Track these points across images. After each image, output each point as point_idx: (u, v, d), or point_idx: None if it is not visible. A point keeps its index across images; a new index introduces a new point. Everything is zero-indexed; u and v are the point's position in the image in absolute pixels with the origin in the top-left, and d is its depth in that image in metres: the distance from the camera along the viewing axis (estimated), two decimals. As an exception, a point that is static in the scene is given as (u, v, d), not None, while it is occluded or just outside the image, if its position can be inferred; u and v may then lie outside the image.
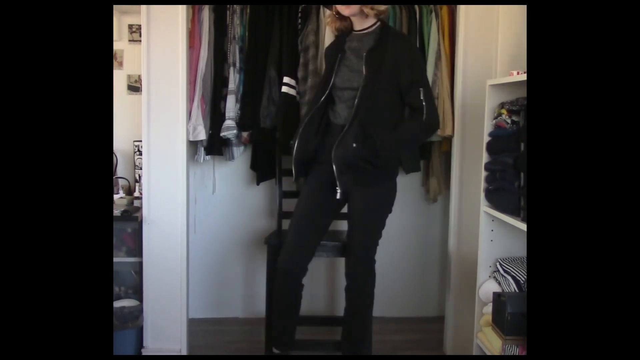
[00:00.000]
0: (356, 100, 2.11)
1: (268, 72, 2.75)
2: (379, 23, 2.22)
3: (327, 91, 2.19)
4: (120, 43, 3.10)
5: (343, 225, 2.51)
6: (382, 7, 2.18)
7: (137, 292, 2.65)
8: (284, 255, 2.27)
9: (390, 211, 2.30)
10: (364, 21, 2.20)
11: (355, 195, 2.20)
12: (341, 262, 3.14)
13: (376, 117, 2.12)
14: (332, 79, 2.19)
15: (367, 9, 2.14)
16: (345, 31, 2.26)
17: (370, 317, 2.37)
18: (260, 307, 2.84)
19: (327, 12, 2.28)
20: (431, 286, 3.25)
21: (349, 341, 2.34)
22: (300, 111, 2.69)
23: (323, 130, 2.25)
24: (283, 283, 2.28)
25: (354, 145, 2.08)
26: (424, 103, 2.10)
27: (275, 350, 2.33)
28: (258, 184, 3.01)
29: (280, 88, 2.71)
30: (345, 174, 2.13)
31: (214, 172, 3.14)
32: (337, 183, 2.14)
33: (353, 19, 2.20)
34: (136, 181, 3.02)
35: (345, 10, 2.14)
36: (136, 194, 2.94)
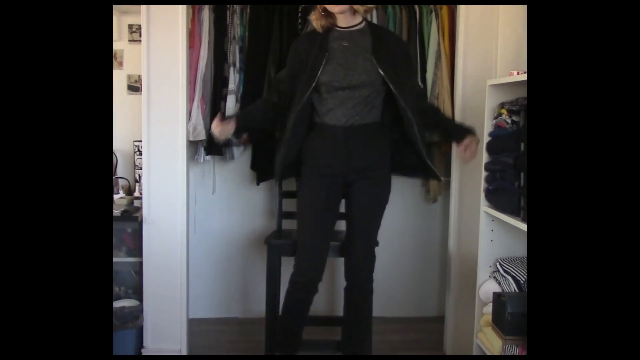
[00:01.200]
0: (401, 102, 2.09)
1: (268, 72, 2.75)
2: (364, 20, 2.21)
3: (311, 88, 2.10)
4: (120, 43, 3.10)
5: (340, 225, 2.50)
6: (372, 5, 2.17)
7: (137, 292, 2.65)
8: (301, 269, 2.20)
9: (387, 202, 2.29)
10: (351, 19, 2.16)
11: (360, 191, 2.19)
12: (341, 262, 3.13)
13: (412, 109, 2.15)
14: (317, 77, 2.10)
15: (358, 6, 2.10)
16: (328, 28, 2.18)
17: (371, 315, 2.37)
18: (260, 307, 2.84)
19: (313, 11, 2.20)
20: (431, 286, 3.25)
21: (351, 342, 2.33)
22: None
23: (307, 132, 2.20)
24: (302, 295, 2.22)
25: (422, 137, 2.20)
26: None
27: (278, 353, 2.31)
28: (258, 184, 3.02)
29: (281, 88, 2.71)
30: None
31: (214, 172, 3.14)
32: (357, 183, 2.20)
33: (339, 16, 2.14)
34: (136, 181, 3.02)
35: (335, 8, 2.09)
36: (136, 194, 2.94)
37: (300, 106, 2.12)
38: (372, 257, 2.28)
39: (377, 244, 2.30)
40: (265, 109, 2.31)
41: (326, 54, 2.11)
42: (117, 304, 2.58)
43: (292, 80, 2.20)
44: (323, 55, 2.11)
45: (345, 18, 2.15)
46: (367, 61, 2.11)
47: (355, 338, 2.32)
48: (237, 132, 2.36)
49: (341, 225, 2.37)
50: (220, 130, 2.22)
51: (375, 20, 2.77)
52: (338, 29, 2.17)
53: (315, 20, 2.16)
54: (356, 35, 2.16)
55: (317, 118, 2.19)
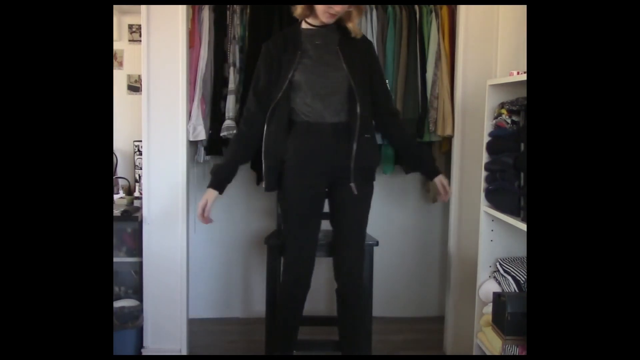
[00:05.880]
0: (356, 96, 2.05)
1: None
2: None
3: (285, 87, 2.07)
4: (120, 43, 3.10)
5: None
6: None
7: (137, 292, 2.65)
8: (292, 275, 2.19)
9: (372, 196, 2.25)
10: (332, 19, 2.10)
11: (345, 190, 2.13)
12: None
13: (368, 112, 2.14)
14: (291, 75, 2.07)
15: (357, 12, 2.11)
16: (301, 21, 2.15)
17: (365, 314, 2.34)
18: (260, 307, 2.84)
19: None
20: (431, 286, 3.25)
21: (347, 341, 2.30)
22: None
23: (287, 131, 2.13)
24: (294, 299, 2.23)
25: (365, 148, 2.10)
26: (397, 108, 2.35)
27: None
28: (258, 184, 3.01)
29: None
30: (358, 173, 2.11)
31: (214, 172, 3.13)
32: (354, 182, 2.09)
33: (324, 14, 2.06)
34: (136, 181, 3.02)
35: (337, 7, 2.04)
36: (136, 194, 2.94)
37: (275, 104, 2.09)
38: (363, 257, 2.24)
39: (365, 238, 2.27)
40: (239, 152, 2.24)
41: (299, 52, 2.09)
42: (117, 304, 2.58)
43: (270, 85, 2.14)
44: (296, 53, 2.09)
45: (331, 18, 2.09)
46: (334, 54, 2.09)
47: (351, 339, 2.28)
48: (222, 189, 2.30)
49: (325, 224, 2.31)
50: (209, 211, 2.26)
51: (375, 20, 2.77)
52: (308, 26, 2.14)
53: (300, 8, 2.11)
54: (326, 32, 2.13)
55: (297, 117, 2.12)
